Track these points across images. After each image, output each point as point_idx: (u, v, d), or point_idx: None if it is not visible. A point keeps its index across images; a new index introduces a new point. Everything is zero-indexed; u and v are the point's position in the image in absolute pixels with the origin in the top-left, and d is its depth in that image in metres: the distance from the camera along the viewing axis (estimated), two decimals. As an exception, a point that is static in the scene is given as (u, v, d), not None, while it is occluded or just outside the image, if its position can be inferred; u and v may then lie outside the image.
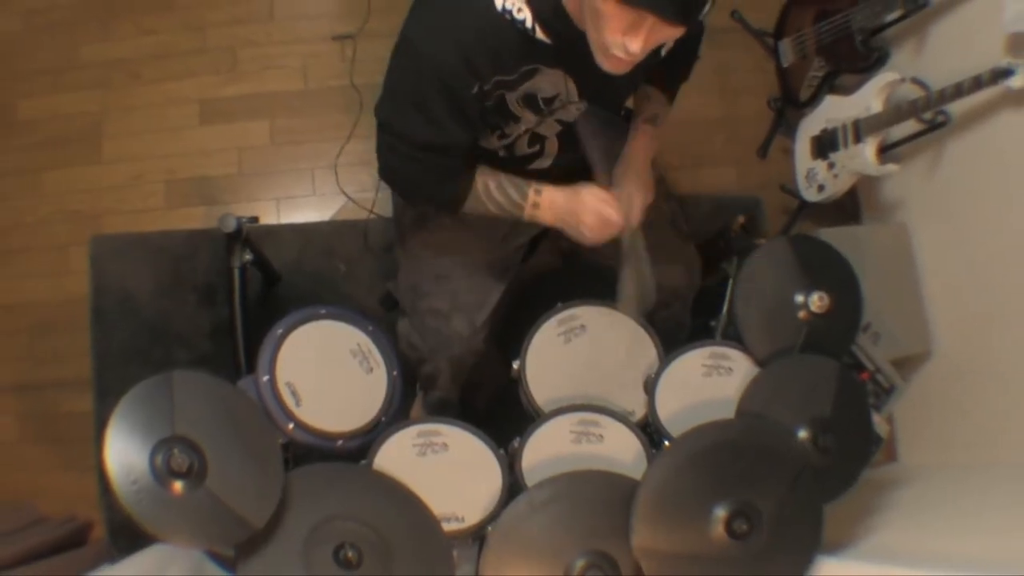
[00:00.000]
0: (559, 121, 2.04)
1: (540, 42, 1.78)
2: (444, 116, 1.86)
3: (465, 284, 2.28)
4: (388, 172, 2.08)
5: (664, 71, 2.22)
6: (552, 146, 2.13)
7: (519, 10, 1.73)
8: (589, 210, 2.04)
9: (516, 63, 1.82)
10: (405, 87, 1.90)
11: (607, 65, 1.74)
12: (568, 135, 2.09)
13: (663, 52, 2.01)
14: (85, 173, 3.36)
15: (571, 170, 2.22)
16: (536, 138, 2.08)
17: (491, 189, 2.06)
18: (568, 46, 1.78)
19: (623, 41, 1.64)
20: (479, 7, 1.75)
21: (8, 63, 3.47)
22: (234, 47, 3.50)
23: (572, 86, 1.92)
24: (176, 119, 3.43)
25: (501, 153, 2.12)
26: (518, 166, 2.16)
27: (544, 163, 2.18)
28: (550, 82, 1.89)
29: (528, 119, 1.98)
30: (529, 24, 1.75)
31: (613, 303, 2.30)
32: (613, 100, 2.21)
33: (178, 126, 3.42)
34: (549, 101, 1.94)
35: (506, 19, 1.74)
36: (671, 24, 1.60)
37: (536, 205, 2.07)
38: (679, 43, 2.01)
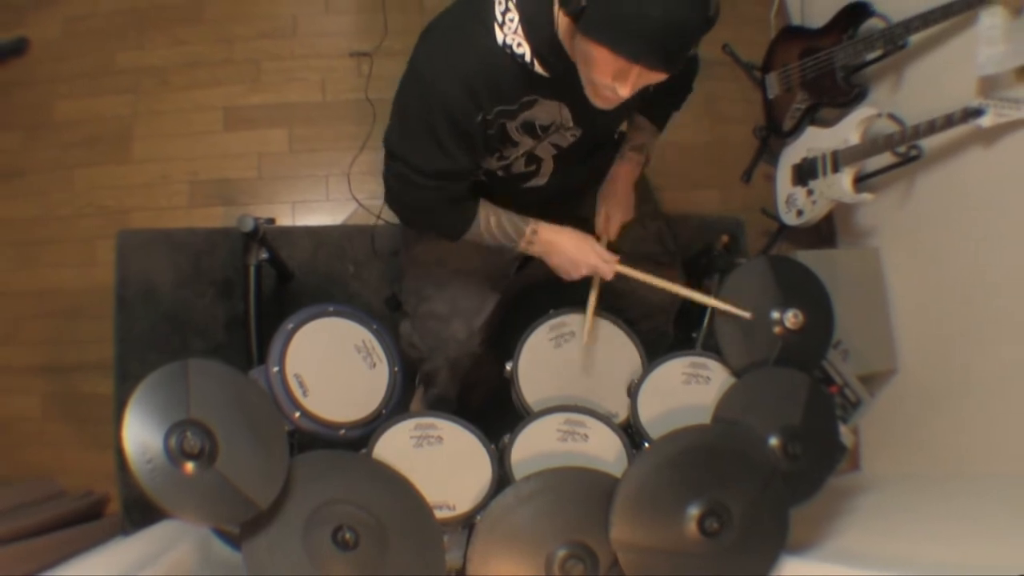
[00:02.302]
0: (554, 144, 2.05)
1: (538, 75, 1.80)
2: (451, 145, 1.87)
3: (464, 291, 2.28)
4: (395, 199, 2.09)
5: (657, 103, 2.24)
6: (547, 167, 2.14)
7: (519, 45, 1.75)
8: (589, 261, 2.13)
9: (517, 94, 1.84)
10: (414, 117, 1.90)
11: (597, 102, 1.77)
12: (562, 157, 2.10)
13: (652, 88, 2.01)
14: (115, 171, 3.36)
15: (565, 188, 2.23)
16: (532, 159, 2.09)
17: (492, 225, 2.08)
18: (564, 79, 1.79)
19: (612, 85, 1.66)
20: (483, 42, 1.76)
21: (48, 66, 3.47)
22: (258, 59, 3.51)
23: (567, 114, 1.94)
24: (202, 124, 3.43)
25: (500, 173, 2.13)
26: (515, 184, 2.18)
27: (539, 181, 2.19)
28: (547, 111, 1.91)
29: (526, 143, 2.00)
30: (528, 58, 1.76)
31: (602, 312, 2.31)
32: (606, 127, 2.22)
33: (203, 131, 3.42)
34: (546, 128, 1.96)
35: (507, 53, 1.76)
36: (657, 72, 1.63)
37: (531, 243, 2.13)
38: (672, 79, 2.03)
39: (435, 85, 1.81)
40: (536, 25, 1.73)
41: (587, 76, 1.72)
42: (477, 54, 1.77)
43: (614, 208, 2.27)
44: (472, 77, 1.78)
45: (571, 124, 1.97)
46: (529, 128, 1.94)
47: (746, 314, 2.23)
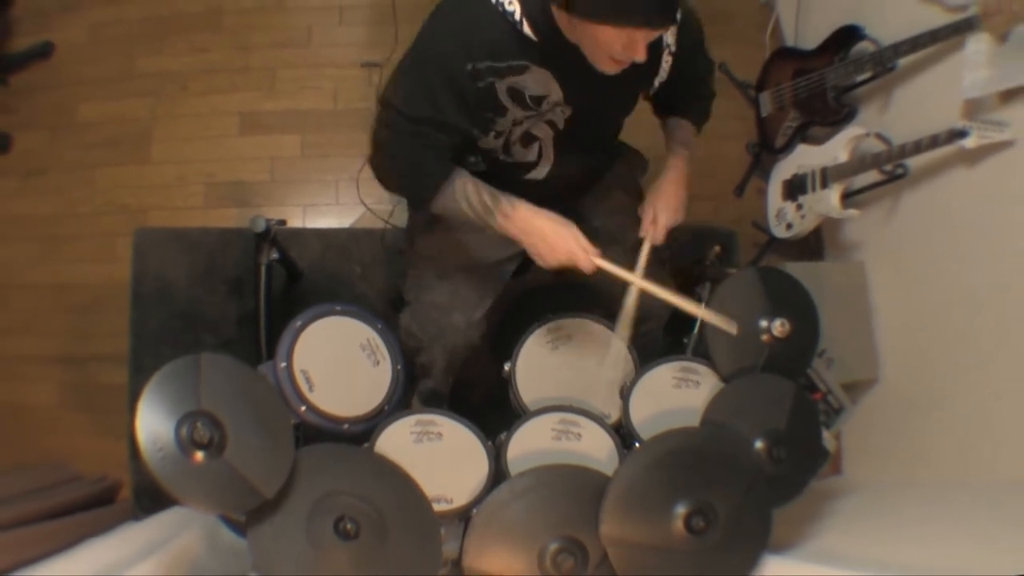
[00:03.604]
0: (550, 124, 2.01)
1: (528, 38, 1.78)
2: (440, 95, 1.84)
3: (465, 283, 2.27)
4: (380, 147, 2.00)
5: (688, 105, 2.24)
6: (548, 151, 2.09)
7: (510, 3, 1.75)
8: (568, 246, 1.97)
9: (506, 54, 1.81)
10: (409, 68, 1.89)
11: (606, 69, 1.76)
12: (560, 143, 2.07)
13: (657, 83, 2.02)
14: (134, 172, 3.37)
15: (564, 185, 2.22)
16: (530, 139, 2.04)
17: (469, 191, 1.97)
18: (554, 48, 1.79)
19: (625, 54, 1.68)
20: (477, 4, 1.77)
21: (72, 70, 3.48)
22: (274, 68, 3.51)
23: (558, 88, 1.90)
24: (218, 128, 3.44)
25: (501, 156, 2.08)
26: (515, 174, 2.14)
27: (540, 172, 2.14)
28: (537, 81, 1.87)
29: (516, 113, 1.94)
30: (518, 17, 1.75)
31: (596, 316, 2.31)
32: (602, 116, 2.14)
33: (220, 135, 3.43)
34: (537, 100, 1.92)
35: (499, 12, 1.75)
36: (664, 28, 1.68)
37: (507, 216, 1.98)
38: (686, 78, 2.04)
39: (432, 40, 1.82)
40: None
41: (593, 52, 1.72)
42: (471, 12, 1.78)
43: (662, 208, 2.18)
44: (463, 31, 1.78)
45: (561, 100, 1.93)
46: (518, 96, 1.89)
47: (732, 329, 2.17)
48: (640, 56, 1.68)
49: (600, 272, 1.99)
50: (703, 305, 2.15)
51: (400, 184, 2.14)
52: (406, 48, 1.89)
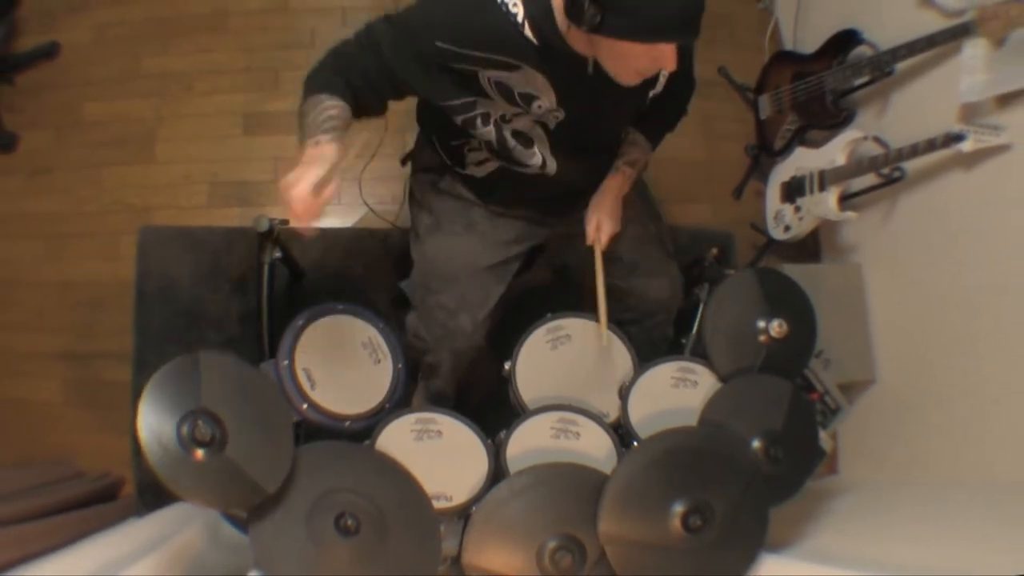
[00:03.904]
0: (540, 124, 2.00)
1: (528, 40, 1.77)
2: (406, 47, 1.82)
3: (470, 285, 2.27)
4: (334, 47, 1.97)
5: (653, 123, 2.25)
6: (544, 151, 2.08)
7: (514, 4, 1.74)
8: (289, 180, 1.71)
9: (497, 48, 1.79)
10: (397, 20, 1.86)
11: (628, 82, 1.78)
12: (557, 143, 2.06)
13: (651, 95, 2.02)
14: (139, 171, 3.36)
15: (570, 187, 2.24)
16: (524, 138, 2.04)
17: (320, 108, 1.85)
18: (552, 53, 1.78)
19: (653, 67, 1.71)
20: None
21: (78, 69, 3.47)
22: (277, 68, 3.51)
23: (552, 94, 1.89)
24: (222, 128, 3.43)
25: (499, 150, 2.07)
26: (516, 166, 2.13)
27: (537, 164, 2.12)
28: (528, 82, 1.86)
29: (501, 104, 1.92)
30: (520, 19, 1.74)
31: (596, 316, 2.31)
32: (599, 122, 2.09)
33: (224, 135, 3.42)
34: (527, 98, 1.90)
35: (502, 11, 1.75)
36: (691, 40, 1.67)
37: (316, 145, 1.79)
38: (670, 97, 2.04)
39: (419, 15, 1.81)
40: None
41: (619, 67, 1.73)
42: (471, 3, 1.77)
43: (604, 218, 2.25)
44: (458, 15, 1.77)
45: (555, 105, 1.92)
46: (505, 90, 1.88)
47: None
48: (672, 66, 1.69)
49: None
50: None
51: (312, 79, 1.98)
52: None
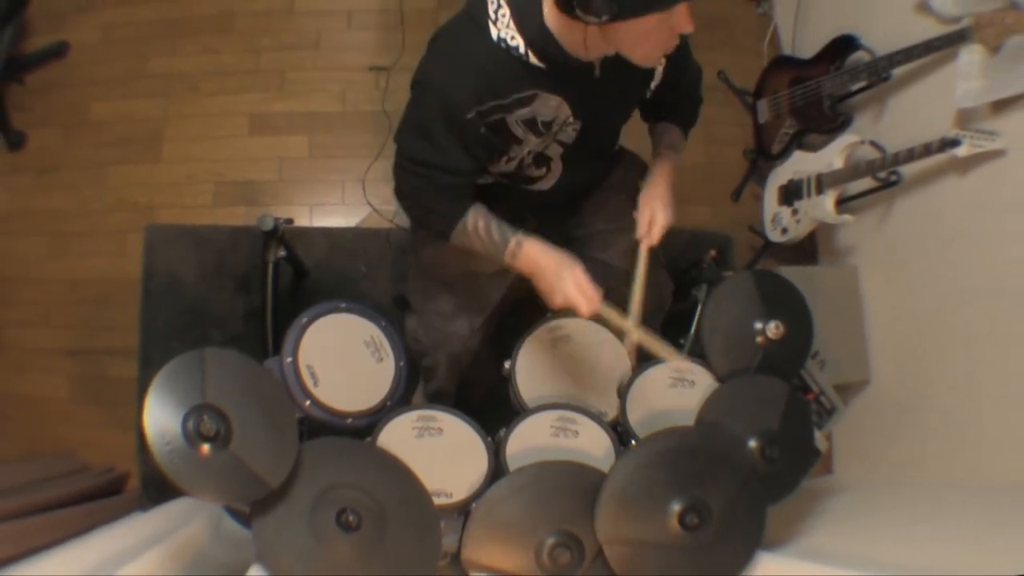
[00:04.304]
0: (560, 142, 2.01)
1: (535, 67, 1.77)
2: (443, 138, 1.86)
3: (467, 291, 2.28)
4: (398, 186, 2.05)
5: (674, 110, 2.23)
6: (556, 166, 2.10)
7: (512, 38, 1.74)
8: (566, 291, 1.93)
9: (513, 89, 1.81)
10: (413, 113, 1.92)
11: (652, 62, 1.81)
12: (568, 156, 2.06)
13: (653, 85, 2.01)
14: (145, 170, 3.37)
15: (567, 195, 2.22)
16: (542, 159, 2.05)
17: (479, 228, 1.98)
18: (560, 70, 1.78)
19: (673, 35, 1.67)
20: (479, 41, 1.76)
21: (85, 70, 3.48)
22: (283, 70, 3.51)
23: (566, 107, 1.90)
24: (228, 129, 3.44)
25: (511, 168, 2.08)
26: (523, 186, 2.15)
27: (547, 184, 2.15)
28: (548, 106, 1.87)
29: (531, 141, 1.95)
30: (522, 51, 1.75)
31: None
32: (607, 124, 2.14)
33: (229, 135, 3.43)
34: (548, 124, 1.92)
35: (503, 48, 1.75)
36: None
37: (515, 256, 1.98)
38: (676, 86, 2.03)
39: (433, 87, 1.83)
40: (526, 16, 1.72)
41: (642, 48, 1.71)
42: (473, 55, 1.77)
43: (659, 210, 2.15)
44: (468, 76, 1.78)
45: (571, 119, 1.93)
46: (531, 124, 1.90)
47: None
48: (690, 27, 1.65)
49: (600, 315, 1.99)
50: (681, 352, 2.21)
51: (418, 220, 2.18)
52: (412, 54, 1.89)
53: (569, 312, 2.35)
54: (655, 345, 2.07)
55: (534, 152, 2.01)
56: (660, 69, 2.00)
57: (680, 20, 1.64)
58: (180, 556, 2.05)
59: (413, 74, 1.89)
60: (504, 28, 1.74)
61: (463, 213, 1.99)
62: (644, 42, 1.69)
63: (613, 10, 1.57)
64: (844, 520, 2.33)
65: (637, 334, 2.08)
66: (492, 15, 1.74)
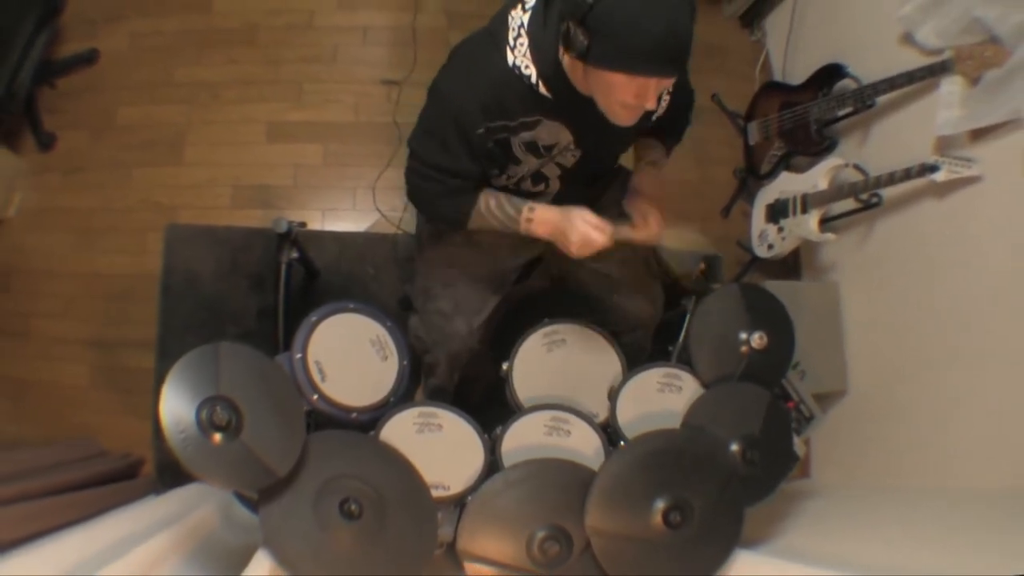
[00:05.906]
0: (559, 165, 2.02)
1: (543, 96, 1.79)
2: (455, 146, 1.88)
3: (467, 292, 2.28)
4: (411, 189, 2.06)
5: (663, 130, 2.21)
6: (554, 185, 2.11)
7: (527, 67, 1.76)
8: (577, 230, 1.94)
9: (520, 112, 1.83)
10: (428, 121, 1.94)
11: (620, 120, 1.75)
12: (567, 177, 2.08)
13: (654, 118, 2.02)
14: (167, 172, 3.37)
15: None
16: (540, 177, 2.06)
17: (492, 207, 2.01)
18: (567, 102, 1.80)
19: (637, 102, 1.67)
20: (495, 63, 1.78)
21: (113, 76, 3.48)
22: (301, 81, 3.52)
23: (568, 136, 1.92)
24: (247, 135, 3.44)
25: (509, 185, 2.09)
26: (523, 195, 2.14)
27: (544, 200, 2.13)
28: (550, 132, 1.89)
29: (530, 163, 1.98)
30: (534, 79, 1.77)
31: (589, 323, 2.31)
32: (608, 152, 2.18)
33: (248, 141, 3.43)
34: (548, 148, 1.94)
35: (516, 74, 1.77)
36: (673, 78, 1.65)
37: (530, 220, 2.00)
38: (672, 110, 2.03)
39: (449, 97, 1.85)
40: (542, 50, 1.74)
41: (607, 101, 1.71)
42: (488, 73, 1.79)
43: (648, 206, 2.09)
44: (479, 91, 1.80)
45: (573, 146, 1.96)
46: (532, 148, 1.93)
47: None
48: (651, 104, 1.67)
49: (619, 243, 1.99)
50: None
51: (433, 215, 2.20)
52: (423, 69, 1.90)
53: (565, 318, 2.37)
54: (682, 236, 2.10)
55: (532, 172, 2.03)
56: (664, 104, 2.00)
57: (645, 93, 1.65)
58: (191, 538, 2.05)
59: (432, 83, 1.90)
60: (520, 56, 1.76)
61: (475, 202, 2.02)
62: (608, 95, 1.69)
63: (583, 51, 1.59)
64: (819, 522, 2.33)
65: (664, 236, 2.08)
66: (511, 42, 1.76)
